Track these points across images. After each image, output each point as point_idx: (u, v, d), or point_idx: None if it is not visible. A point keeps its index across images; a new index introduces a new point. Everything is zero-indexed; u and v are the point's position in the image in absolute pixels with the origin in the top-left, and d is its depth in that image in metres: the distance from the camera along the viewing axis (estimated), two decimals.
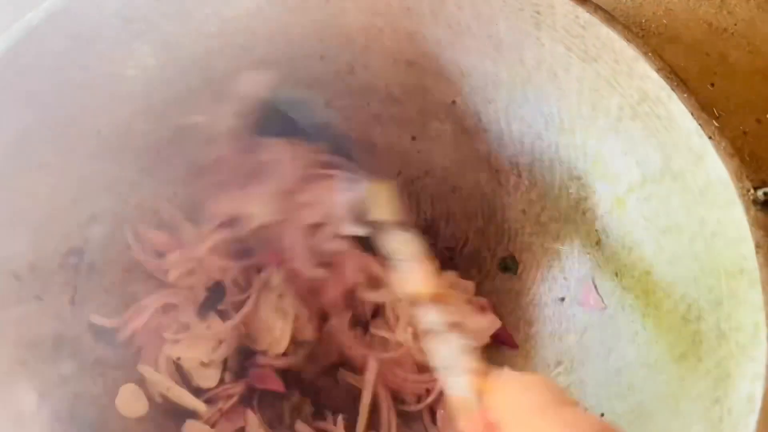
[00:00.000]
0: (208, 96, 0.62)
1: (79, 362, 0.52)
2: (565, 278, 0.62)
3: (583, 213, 0.59)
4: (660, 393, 0.48)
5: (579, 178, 0.59)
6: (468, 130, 0.65)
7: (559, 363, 0.59)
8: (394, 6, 0.59)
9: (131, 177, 0.60)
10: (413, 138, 0.69)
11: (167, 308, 0.60)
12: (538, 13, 0.55)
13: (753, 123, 0.65)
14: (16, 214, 0.51)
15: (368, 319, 0.66)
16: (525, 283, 0.65)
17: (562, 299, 0.61)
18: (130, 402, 0.55)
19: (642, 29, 0.69)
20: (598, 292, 0.58)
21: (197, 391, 0.59)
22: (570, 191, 0.60)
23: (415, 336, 0.61)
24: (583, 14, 0.53)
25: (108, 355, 0.55)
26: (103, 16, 0.54)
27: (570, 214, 0.60)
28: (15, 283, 0.49)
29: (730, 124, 0.65)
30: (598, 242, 0.58)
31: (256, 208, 0.60)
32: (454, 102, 0.64)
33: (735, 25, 0.69)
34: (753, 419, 0.40)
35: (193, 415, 0.58)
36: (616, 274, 0.56)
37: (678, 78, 0.50)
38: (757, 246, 0.44)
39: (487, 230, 0.68)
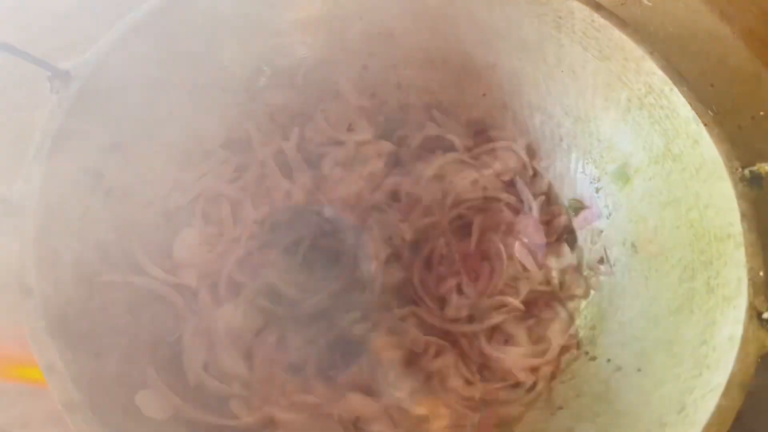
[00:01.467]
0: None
1: (75, 274, 0.53)
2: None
3: (596, 191, 0.67)
4: (658, 340, 0.56)
5: (594, 162, 0.67)
6: (506, 94, 0.72)
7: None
8: (433, 12, 0.68)
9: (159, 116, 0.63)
10: None
11: None
12: (559, 17, 0.63)
13: (748, 119, 0.73)
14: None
15: None
16: None
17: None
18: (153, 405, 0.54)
19: (651, 36, 0.76)
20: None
21: None
22: (585, 173, 0.68)
23: None
24: (598, 19, 0.61)
25: (104, 272, 0.57)
26: None
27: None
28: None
29: (727, 120, 0.71)
30: (609, 215, 0.66)
31: None
32: (484, 95, 0.73)
33: (734, 33, 0.77)
34: (732, 355, 0.47)
35: None
36: (624, 243, 0.64)
37: (679, 74, 0.58)
38: (743, 215, 0.51)
39: None
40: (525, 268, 0.67)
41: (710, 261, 0.54)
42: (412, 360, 0.63)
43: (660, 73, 0.58)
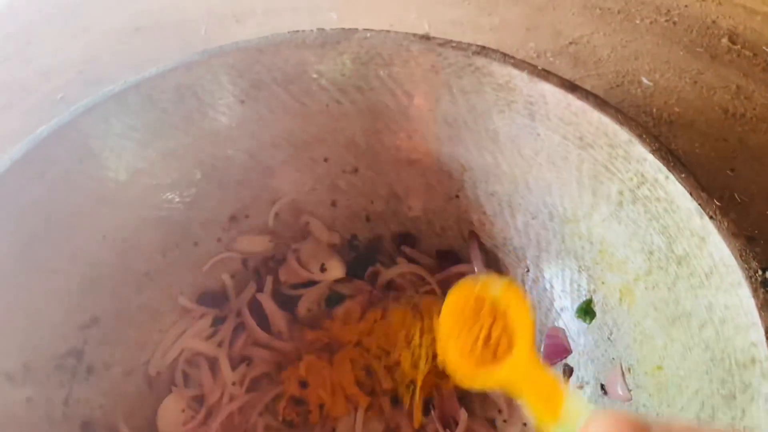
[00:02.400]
0: (216, 200, 0.65)
1: None
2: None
3: (594, 306, 0.55)
4: None
5: (587, 269, 0.56)
6: (473, 223, 0.63)
7: None
8: (392, 106, 0.60)
9: (136, 280, 0.60)
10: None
11: None
12: (530, 104, 0.54)
13: None
14: (15, 314, 0.51)
15: None
16: None
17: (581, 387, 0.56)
18: None
19: (653, 118, 0.66)
20: (625, 381, 0.53)
21: None
22: (579, 285, 0.57)
23: None
24: (574, 101, 0.51)
25: None
26: (109, 130, 0.57)
27: (581, 308, 0.57)
28: (6, 384, 0.49)
29: (752, 209, 0.60)
30: (610, 336, 0.54)
31: None
32: (457, 196, 0.63)
33: (754, 109, 0.66)
34: None
35: None
36: (629, 370, 0.51)
37: (675, 158, 0.48)
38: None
39: None
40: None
41: (733, 395, 0.41)
42: None
43: (651, 158, 0.47)
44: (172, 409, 0.59)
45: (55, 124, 0.54)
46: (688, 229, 0.46)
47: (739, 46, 0.71)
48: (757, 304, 0.40)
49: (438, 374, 0.59)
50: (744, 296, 0.41)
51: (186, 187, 0.61)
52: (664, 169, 0.47)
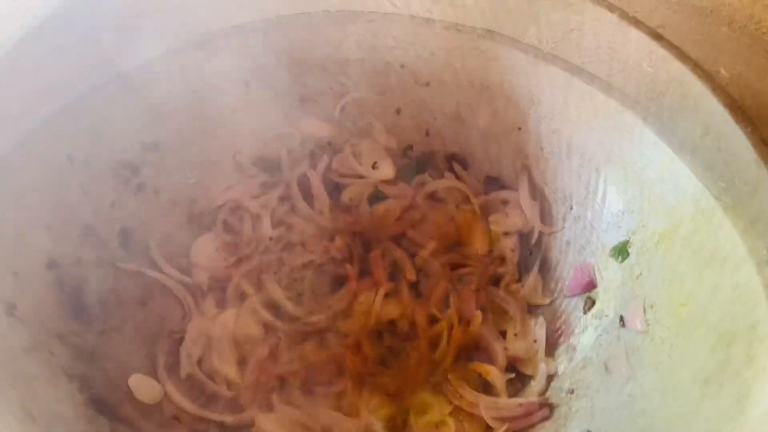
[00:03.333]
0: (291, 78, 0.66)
1: (98, 255, 0.53)
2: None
3: (630, 247, 0.56)
4: (672, 416, 0.43)
5: (632, 212, 0.56)
6: (528, 156, 0.64)
7: (572, 390, 0.54)
8: (479, 29, 0.61)
9: (202, 125, 0.63)
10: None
11: None
12: (612, 48, 0.55)
13: None
14: (85, 113, 0.54)
15: None
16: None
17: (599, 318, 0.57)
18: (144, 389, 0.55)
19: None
20: (645, 315, 0.54)
21: None
22: (620, 227, 0.57)
23: None
24: (657, 49, 0.52)
25: (123, 258, 0.57)
26: None
27: (616, 248, 0.57)
28: (67, 164, 0.52)
29: None
30: (639, 276, 0.54)
31: None
32: (519, 129, 0.64)
33: None
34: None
35: None
36: (651, 307, 0.51)
37: (742, 113, 0.48)
38: None
39: None
40: None
41: (755, 325, 0.41)
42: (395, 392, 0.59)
43: (722, 110, 0.48)
44: (207, 246, 0.62)
45: None
46: (743, 179, 0.46)
47: None
48: None
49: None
50: None
51: (270, 53, 0.63)
52: (731, 120, 0.48)
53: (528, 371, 0.58)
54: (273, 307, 0.61)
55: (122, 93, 0.56)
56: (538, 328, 0.58)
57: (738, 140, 0.47)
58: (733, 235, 0.46)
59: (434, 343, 0.58)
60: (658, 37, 0.54)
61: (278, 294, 0.60)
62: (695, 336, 0.46)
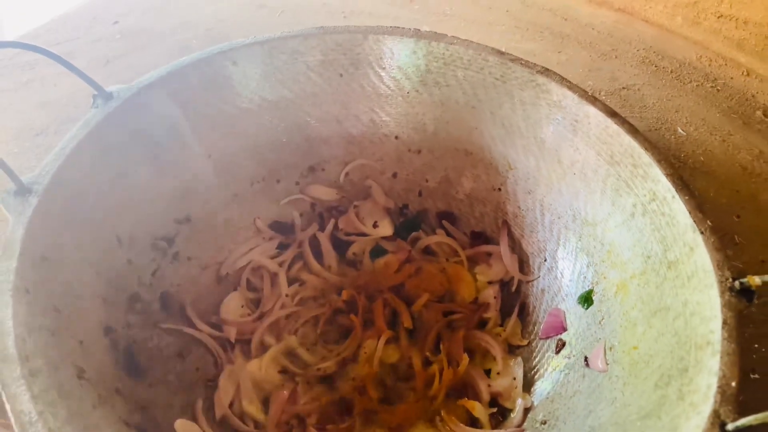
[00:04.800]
0: (303, 151, 0.75)
1: (143, 318, 0.61)
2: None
3: (593, 295, 0.63)
4: None
5: (595, 265, 0.64)
6: (508, 214, 0.72)
7: (545, 422, 0.61)
8: (461, 103, 0.70)
9: (226, 197, 0.72)
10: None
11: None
12: (576, 121, 0.63)
13: None
14: (134, 196, 0.62)
15: None
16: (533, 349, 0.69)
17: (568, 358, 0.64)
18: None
19: (680, 161, 0.74)
20: (605, 356, 0.61)
21: None
22: (585, 277, 0.65)
23: None
24: (611, 125, 0.60)
25: (164, 319, 0.65)
26: (234, 71, 0.69)
27: (582, 296, 0.65)
28: (116, 245, 0.61)
29: (749, 252, 0.67)
30: (602, 321, 0.62)
31: None
32: (499, 189, 0.72)
33: None
34: None
35: None
36: (610, 349, 0.59)
37: (683, 183, 0.56)
38: (724, 322, 0.47)
39: None
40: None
41: (686, 368, 0.49)
42: (396, 426, 0.64)
43: (665, 180, 0.56)
44: (234, 303, 0.70)
45: (195, 56, 0.66)
46: (682, 240, 0.54)
47: None
48: (722, 302, 0.48)
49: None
50: (713, 296, 0.49)
51: (282, 133, 0.72)
52: (672, 189, 0.55)
53: (508, 405, 0.64)
54: (291, 355, 0.68)
55: (159, 174, 0.65)
56: (517, 367, 0.65)
57: (677, 206, 0.55)
58: (674, 288, 0.54)
59: (429, 382, 0.65)
60: (612, 113, 0.62)
61: (294, 344, 0.67)
62: (643, 375, 0.53)
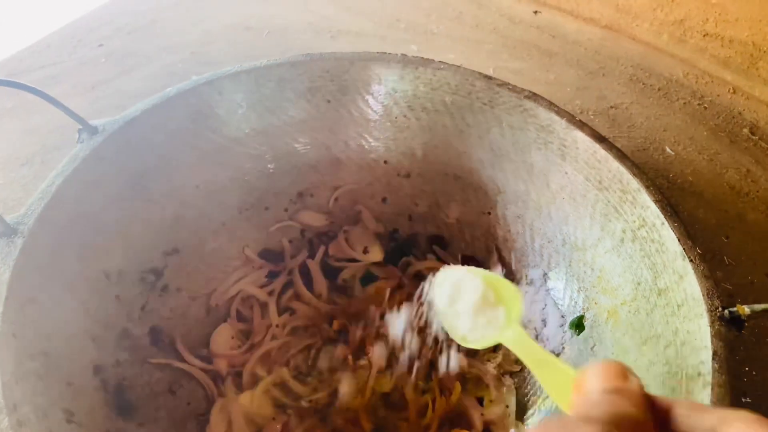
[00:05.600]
0: (291, 178, 0.75)
1: (133, 355, 0.61)
2: None
3: (585, 321, 0.64)
4: None
5: (585, 290, 0.64)
6: (497, 238, 0.73)
7: None
8: (450, 128, 0.70)
9: (214, 227, 0.71)
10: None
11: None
12: (564, 146, 0.63)
13: (761, 276, 0.68)
14: (121, 230, 0.62)
15: None
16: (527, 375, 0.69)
17: None
18: None
19: (668, 181, 0.75)
20: None
21: None
22: (576, 303, 0.65)
23: None
24: (600, 151, 0.60)
25: (154, 354, 0.64)
26: (221, 101, 0.68)
27: (573, 322, 0.65)
28: (104, 280, 0.60)
29: (738, 272, 0.68)
30: (593, 347, 0.62)
31: None
32: (489, 213, 0.72)
33: (757, 192, 0.74)
34: None
35: None
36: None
37: (672, 210, 0.56)
38: (714, 353, 0.47)
39: None
40: None
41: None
42: None
43: (653, 207, 0.56)
44: (224, 335, 0.69)
45: (180, 87, 0.66)
46: (671, 268, 0.54)
47: (757, 137, 0.79)
48: (711, 332, 0.48)
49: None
50: (703, 325, 0.49)
51: (270, 161, 0.72)
52: (661, 216, 0.55)
53: None
54: (282, 386, 0.67)
55: (146, 207, 0.65)
56: (510, 395, 0.65)
57: (666, 233, 0.55)
58: (665, 316, 0.54)
59: (421, 412, 0.65)
60: (600, 139, 0.62)
61: (286, 376, 0.67)
62: None
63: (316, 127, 0.71)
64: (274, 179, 0.73)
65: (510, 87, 0.67)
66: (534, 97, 0.65)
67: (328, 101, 0.71)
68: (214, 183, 0.69)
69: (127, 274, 0.63)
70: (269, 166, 0.72)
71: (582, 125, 0.63)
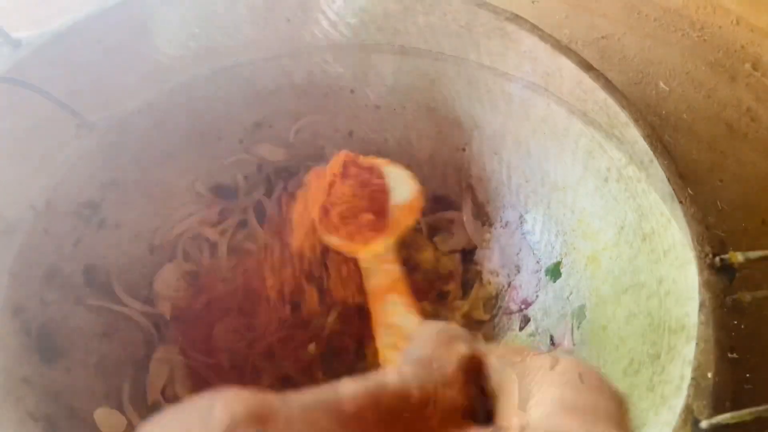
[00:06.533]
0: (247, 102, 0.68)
1: (63, 295, 0.56)
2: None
3: (561, 268, 0.59)
4: None
5: (564, 234, 0.59)
6: (472, 176, 0.67)
7: None
8: (422, 54, 0.63)
9: (160, 156, 0.65)
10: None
11: None
12: (547, 74, 0.57)
13: (757, 222, 0.63)
14: (48, 156, 0.56)
15: None
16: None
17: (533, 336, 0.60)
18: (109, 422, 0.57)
19: (660, 119, 0.69)
20: (572, 336, 0.57)
21: None
22: (553, 247, 0.60)
23: None
24: (586, 80, 0.54)
25: (88, 295, 0.59)
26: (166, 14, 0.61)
27: (549, 268, 0.61)
28: (29, 212, 0.54)
29: (732, 219, 0.63)
30: (569, 296, 0.57)
31: None
32: (464, 149, 0.66)
33: (757, 132, 0.69)
34: None
35: None
36: (578, 327, 0.55)
37: (662, 145, 0.51)
38: (702, 305, 0.42)
39: None
40: None
41: (658, 355, 0.44)
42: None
43: (642, 142, 0.51)
44: (169, 276, 0.64)
45: None
46: (659, 210, 0.49)
47: (759, 73, 0.73)
48: (700, 281, 0.43)
49: None
50: (691, 274, 0.44)
51: (221, 85, 0.65)
52: (650, 153, 0.50)
53: None
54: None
55: (78, 133, 0.58)
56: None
57: (655, 172, 0.49)
58: (649, 263, 0.50)
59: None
60: (588, 67, 0.56)
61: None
62: (611, 359, 0.49)
63: (274, 49, 0.65)
64: (227, 105, 0.66)
65: (490, 7, 0.60)
66: (516, 19, 0.58)
67: (288, 20, 0.64)
68: (158, 107, 0.62)
69: (57, 207, 0.57)
70: (220, 89, 0.65)
71: (568, 51, 0.57)
